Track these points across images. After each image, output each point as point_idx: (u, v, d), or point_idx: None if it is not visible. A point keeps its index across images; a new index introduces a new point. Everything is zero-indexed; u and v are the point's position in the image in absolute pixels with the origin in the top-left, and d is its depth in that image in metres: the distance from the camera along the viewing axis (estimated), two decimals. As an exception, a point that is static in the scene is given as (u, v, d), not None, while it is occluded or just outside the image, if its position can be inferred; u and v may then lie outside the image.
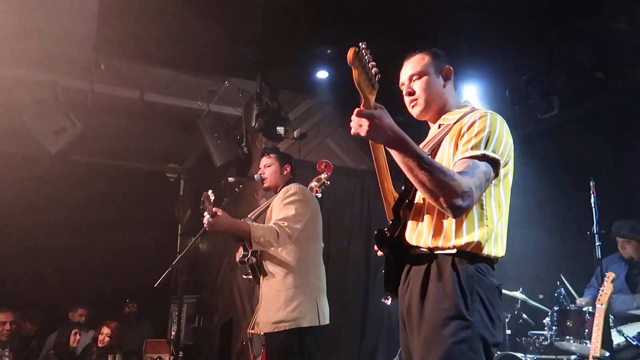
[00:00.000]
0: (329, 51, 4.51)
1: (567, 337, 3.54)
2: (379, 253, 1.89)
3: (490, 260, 1.73)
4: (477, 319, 1.59)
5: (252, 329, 3.00)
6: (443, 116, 1.91)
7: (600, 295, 3.12)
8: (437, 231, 1.72)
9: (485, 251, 1.69)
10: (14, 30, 4.02)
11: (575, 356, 3.62)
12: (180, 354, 4.34)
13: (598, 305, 3.11)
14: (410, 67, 1.93)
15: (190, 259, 3.22)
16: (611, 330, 3.21)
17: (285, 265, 2.92)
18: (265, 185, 3.21)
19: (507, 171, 1.77)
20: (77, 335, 5.34)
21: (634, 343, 3.29)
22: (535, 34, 4.08)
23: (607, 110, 4.50)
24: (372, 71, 1.49)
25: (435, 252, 1.72)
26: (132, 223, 6.86)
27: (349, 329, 5.18)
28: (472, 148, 1.67)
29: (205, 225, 2.74)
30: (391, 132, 1.52)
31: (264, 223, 3.03)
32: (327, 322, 2.92)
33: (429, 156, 1.62)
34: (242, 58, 4.64)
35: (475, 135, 1.69)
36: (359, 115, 1.51)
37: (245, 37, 4.38)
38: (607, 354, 3.15)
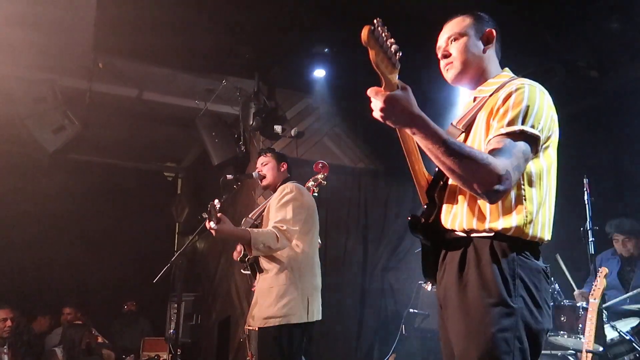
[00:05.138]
0: (326, 50, 4.54)
1: (561, 332, 3.57)
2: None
3: (535, 244, 1.60)
4: (521, 305, 1.49)
5: (249, 324, 3.05)
6: (479, 87, 1.75)
7: (594, 290, 3.16)
8: (471, 212, 1.60)
9: (528, 235, 1.55)
10: (12, 28, 4.03)
11: (570, 351, 3.66)
12: (178, 351, 4.37)
13: (591, 300, 3.14)
14: (448, 29, 1.78)
15: (188, 257, 3.25)
16: (605, 325, 3.25)
17: (279, 262, 2.96)
18: (264, 183, 3.23)
19: (549, 146, 1.60)
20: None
21: (628, 338, 3.33)
22: (530, 32, 4.12)
23: (602, 108, 4.54)
24: (392, 49, 1.34)
25: (472, 235, 1.60)
26: (130, 222, 6.89)
27: (346, 326, 5.22)
28: (508, 124, 1.51)
29: (210, 230, 2.80)
30: (409, 114, 1.39)
31: (262, 222, 3.07)
32: (319, 318, 2.98)
33: (458, 139, 1.53)
34: (240, 57, 4.67)
35: (512, 109, 1.53)
36: (374, 95, 1.39)
37: (242, 36, 4.40)
38: (601, 348, 3.19)
